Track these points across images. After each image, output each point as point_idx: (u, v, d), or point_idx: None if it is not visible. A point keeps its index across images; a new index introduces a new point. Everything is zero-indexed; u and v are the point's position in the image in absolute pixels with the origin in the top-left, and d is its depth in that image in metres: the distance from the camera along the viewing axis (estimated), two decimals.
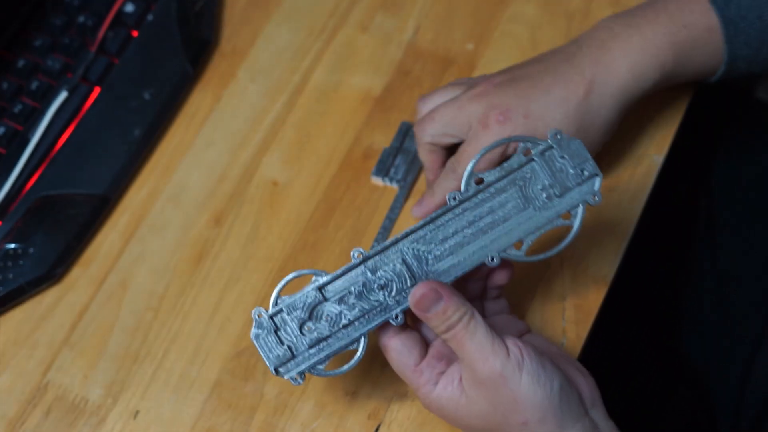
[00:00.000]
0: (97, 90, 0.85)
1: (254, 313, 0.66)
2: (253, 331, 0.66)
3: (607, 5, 0.89)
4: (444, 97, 0.78)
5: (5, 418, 0.75)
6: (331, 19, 0.90)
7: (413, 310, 0.65)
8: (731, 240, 0.95)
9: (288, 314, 0.67)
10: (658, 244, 0.96)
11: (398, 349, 0.67)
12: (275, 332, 0.66)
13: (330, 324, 0.67)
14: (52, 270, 0.79)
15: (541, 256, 0.68)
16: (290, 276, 0.67)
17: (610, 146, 0.82)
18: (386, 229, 0.80)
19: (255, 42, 0.89)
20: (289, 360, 0.67)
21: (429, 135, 0.76)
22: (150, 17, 0.88)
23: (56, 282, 0.80)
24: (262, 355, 0.66)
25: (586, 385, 0.66)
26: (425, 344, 0.68)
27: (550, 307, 0.77)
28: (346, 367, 0.67)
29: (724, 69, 0.76)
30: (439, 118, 0.76)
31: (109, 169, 0.83)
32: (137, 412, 0.75)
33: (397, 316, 0.66)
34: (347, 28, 0.89)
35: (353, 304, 0.67)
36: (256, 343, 0.66)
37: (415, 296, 0.65)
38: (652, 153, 0.82)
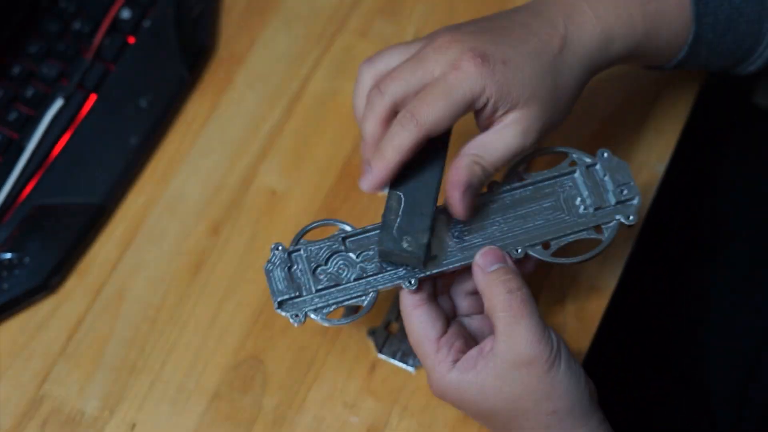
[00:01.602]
0: (93, 97, 0.84)
1: (273, 246, 0.67)
2: (267, 264, 0.67)
3: None
4: (396, 56, 0.70)
5: (1, 431, 0.74)
6: (329, 25, 0.89)
7: (477, 263, 0.66)
8: (732, 253, 0.95)
9: (305, 254, 0.67)
10: (659, 254, 0.95)
11: (422, 318, 0.66)
12: (288, 269, 0.67)
13: (344, 273, 0.67)
14: (48, 280, 0.78)
15: (565, 260, 0.68)
16: (317, 222, 0.69)
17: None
18: None
19: (253, 48, 0.88)
20: (294, 298, 0.67)
21: (390, 96, 0.67)
22: (147, 23, 0.87)
23: (52, 292, 0.79)
24: (269, 287, 0.67)
25: (590, 382, 0.67)
26: (447, 322, 0.67)
27: (552, 317, 0.76)
28: (348, 319, 0.67)
29: (686, 50, 0.73)
30: (403, 75, 0.67)
31: (105, 178, 0.82)
32: (134, 425, 0.74)
33: (411, 281, 0.66)
34: (346, 34, 0.89)
35: (372, 260, 0.67)
36: (266, 276, 0.67)
37: (482, 251, 0.65)
38: (654, 161, 0.82)
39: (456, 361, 0.65)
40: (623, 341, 0.94)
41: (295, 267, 0.67)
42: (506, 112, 0.67)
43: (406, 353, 0.76)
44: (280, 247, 0.67)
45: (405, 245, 0.65)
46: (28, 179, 0.81)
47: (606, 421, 0.66)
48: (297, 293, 0.67)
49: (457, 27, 0.69)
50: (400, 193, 0.67)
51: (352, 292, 0.67)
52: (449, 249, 0.67)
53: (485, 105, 0.67)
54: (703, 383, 0.94)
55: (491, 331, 0.65)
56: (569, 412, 0.64)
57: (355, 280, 0.67)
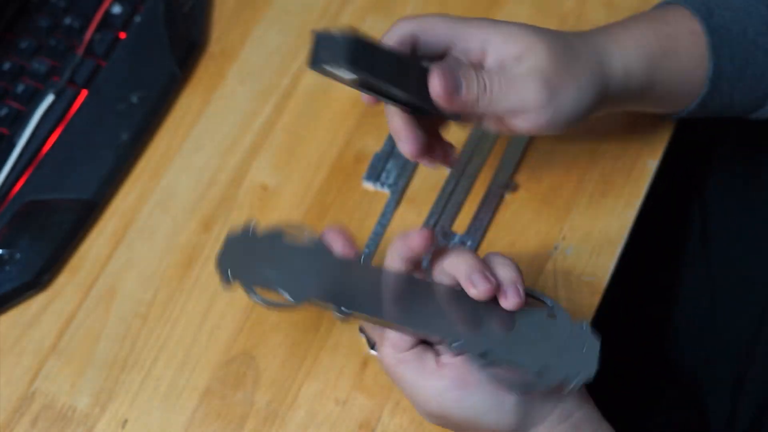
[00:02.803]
0: (84, 93, 0.84)
1: (251, 221, 0.68)
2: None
3: (601, 6, 0.88)
4: None
5: None
6: (321, 20, 0.89)
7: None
8: (724, 246, 0.95)
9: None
10: (651, 250, 0.95)
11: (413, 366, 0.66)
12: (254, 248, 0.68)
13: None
14: (39, 276, 0.78)
15: None
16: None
17: (603, 150, 0.82)
18: (377, 234, 0.79)
19: (244, 44, 0.88)
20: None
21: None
22: (138, 19, 0.87)
23: (43, 288, 0.79)
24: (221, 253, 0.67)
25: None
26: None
27: None
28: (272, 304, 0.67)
29: (709, 85, 0.73)
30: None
31: (96, 174, 0.81)
32: (125, 421, 0.74)
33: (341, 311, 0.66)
34: None
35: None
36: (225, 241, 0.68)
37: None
38: (647, 158, 0.81)
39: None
40: (616, 336, 0.94)
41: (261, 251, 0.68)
42: (515, 57, 0.67)
43: None
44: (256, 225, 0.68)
45: None
46: (19, 175, 0.81)
47: (571, 416, 0.66)
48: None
49: None
50: None
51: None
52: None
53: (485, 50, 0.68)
54: (696, 376, 0.94)
55: None
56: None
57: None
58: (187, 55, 0.86)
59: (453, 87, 0.65)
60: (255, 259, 0.67)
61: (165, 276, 0.79)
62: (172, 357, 0.76)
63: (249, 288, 0.67)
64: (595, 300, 0.77)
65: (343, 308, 0.65)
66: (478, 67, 0.68)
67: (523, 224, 0.79)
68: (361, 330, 0.76)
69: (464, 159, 0.82)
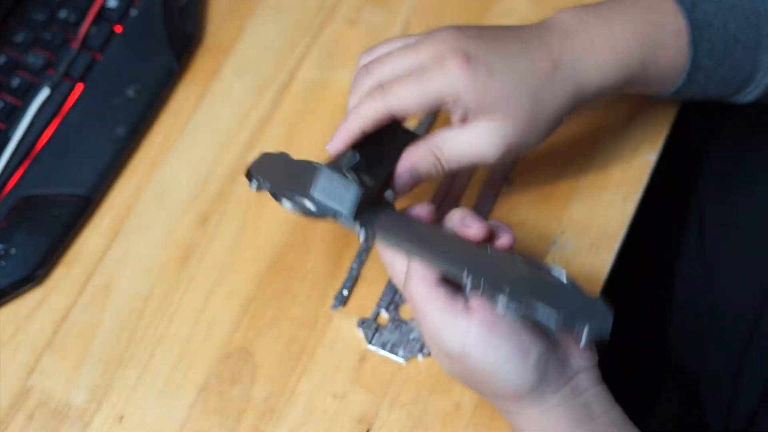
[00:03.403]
0: (79, 87, 0.84)
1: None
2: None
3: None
4: (395, 46, 0.71)
5: None
6: (318, 13, 0.88)
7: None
8: (721, 240, 0.94)
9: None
10: (648, 244, 0.95)
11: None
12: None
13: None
14: (35, 271, 0.78)
15: None
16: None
17: (602, 144, 0.82)
18: None
19: (241, 37, 0.88)
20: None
21: (376, 77, 0.69)
22: (134, 12, 0.87)
23: (39, 283, 0.78)
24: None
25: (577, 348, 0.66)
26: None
27: None
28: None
29: (684, 78, 0.73)
30: (391, 60, 0.69)
31: (92, 168, 0.81)
32: (122, 417, 0.74)
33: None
34: (335, 23, 0.88)
35: None
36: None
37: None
38: (645, 151, 0.81)
39: None
40: (614, 329, 0.94)
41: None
42: (477, 118, 0.68)
43: (396, 344, 0.75)
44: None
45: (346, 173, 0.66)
46: (14, 170, 0.80)
47: (583, 394, 0.66)
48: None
49: (458, 27, 0.70)
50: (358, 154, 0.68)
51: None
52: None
53: (456, 105, 0.68)
54: (693, 369, 0.94)
55: None
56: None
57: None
58: (184, 49, 0.86)
59: (414, 184, 0.70)
60: (286, 175, 0.67)
61: (161, 271, 0.79)
62: (168, 352, 0.76)
63: (278, 193, 0.66)
64: (595, 293, 0.76)
65: (368, 229, 0.66)
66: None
67: (522, 218, 0.79)
68: (359, 324, 0.76)
69: None
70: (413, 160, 0.69)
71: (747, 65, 0.74)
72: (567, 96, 0.70)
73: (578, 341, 0.63)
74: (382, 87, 0.68)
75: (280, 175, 0.68)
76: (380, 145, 0.69)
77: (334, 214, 0.66)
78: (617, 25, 0.72)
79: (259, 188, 0.67)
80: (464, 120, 0.69)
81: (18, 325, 0.77)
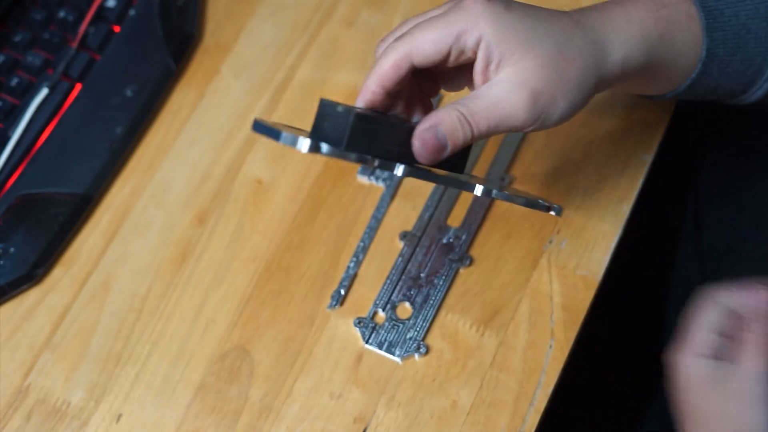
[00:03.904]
0: (78, 87, 0.84)
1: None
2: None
3: None
4: (425, 16, 0.68)
5: None
6: (316, 14, 0.89)
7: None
8: (718, 242, 0.95)
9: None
10: (644, 245, 0.95)
11: None
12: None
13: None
14: (33, 270, 0.78)
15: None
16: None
17: (597, 145, 0.82)
18: (372, 228, 0.79)
19: (239, 37, 0.88)
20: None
21: (401, 29, 0.67)
22: (132, 12, 0.87)
23: (37, 283, 0.79)
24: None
25: None
26: None
27: (538, 309, 0.76)
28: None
29: (699, 68, 0.72)
30: (416, 16, 0.67)
31: (90, 168, 0.81)
32: (120, 416, 0.74)
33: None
34: (332, 24, 0.88)
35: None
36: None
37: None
38: (641, 152, 0.81)
39: None
40: (610, 330, 0.94)
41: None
42: (501, 67, 0.65)
43: (393, 344, 0.75)
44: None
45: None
46: (13, 169, 0.81)
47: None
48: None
49: None
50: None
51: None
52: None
53: (478, 47, 0.65)
54: None
55: None
56: None
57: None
58: (182, 49, 0.86)
59: (438, 148, 0.65)
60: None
61: (159, 270, 0.79)
62: (166, 351, 0.76)
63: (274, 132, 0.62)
64: (590, 294, 0.77)
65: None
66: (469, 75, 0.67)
67: (518, 217, 0.79)
68: (356, 323, 0.76)
69: None
70: (436, 118, 0.65)
71: (757, 57, 0.73)
72: (592, 57, 0.67)
73: None
74: (403, 34, 0.65)
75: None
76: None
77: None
78: (629, 4, 0.70)
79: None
80: (486, 72, 0.65)
81: (16, 324, 0.77)
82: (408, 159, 0.65)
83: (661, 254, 0.98)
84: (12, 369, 0.76)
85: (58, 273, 0.79)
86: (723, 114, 0.81)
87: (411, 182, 0.81)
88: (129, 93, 0.84)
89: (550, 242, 0.78)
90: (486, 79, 0.66)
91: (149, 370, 0.75)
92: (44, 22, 0.86)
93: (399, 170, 0.64)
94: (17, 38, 0.85)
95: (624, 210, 0.79)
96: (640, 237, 0.87)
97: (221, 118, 0.85)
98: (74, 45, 0.85)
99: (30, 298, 0.78)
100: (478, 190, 0.67)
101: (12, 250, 0.78)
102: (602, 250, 0.78)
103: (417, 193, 0.81)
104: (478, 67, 0.66)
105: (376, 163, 0.63)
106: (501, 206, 0.80)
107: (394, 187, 0.81)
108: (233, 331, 0.76)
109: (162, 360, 0.76)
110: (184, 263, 0.79)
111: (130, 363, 0.76)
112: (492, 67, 0.65)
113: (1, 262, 0.77)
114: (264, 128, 0.62)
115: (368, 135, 0.63)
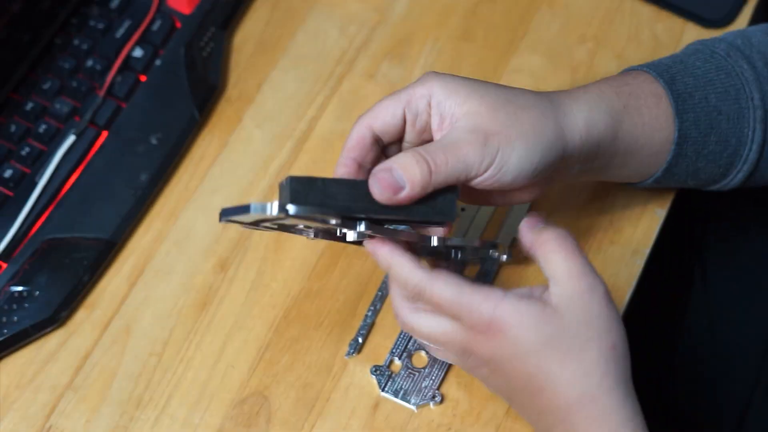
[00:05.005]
0: (104, 134, 0.86)
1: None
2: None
3: (612, 58, 0.90)
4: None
5: None
6: (337, 66, 0.91)
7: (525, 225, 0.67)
8: (726, 295, 0.96)
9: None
10: (654, 298, 0.96)
11: (446, 273, 0.66)
12: None
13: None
14: (57, 313, 0.79)
15: None
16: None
17: (612, 200, 0.83)
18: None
19: (261, 88, 0.90)
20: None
21: (365, 126, 0.70)
22: (158, 62, 0.89)
23: (60, 325, 0.80)
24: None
25: None
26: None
27: None
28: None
29: (674, 150, 0.73)
30: (379, 105, 0.71)
31: (115, 213, 0.83)
32: None
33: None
34: (353, 76, 0.90)
35: None
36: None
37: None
38: (655, 207, 0.83)
39: (506, 293, 0.64)
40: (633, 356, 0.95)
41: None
42: (453, 118, 0.68)
43: (409, 392, 0.77)
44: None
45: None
46: (40, 214, 0.82)
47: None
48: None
49: None
50: None
51: None
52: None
53: (429, 107, 0.69)
54: (698, 421, 0.95)
55: None
56: (624, 351, 0.64)
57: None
58: (206, 99, 0.88)
59: (395, 185, 0.66)
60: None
61: (181, 315, 0.80)
62: (186, 395, 0.77)
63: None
64: None
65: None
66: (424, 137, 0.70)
67: (533, 270, 0.80)
68: (373, 371, 0.77)
69: (474, 207, 0.83)
70: (392, 161, 0.66)
71: (732, 138, 0.75)
72: (548, 110, 0.69)
73: None
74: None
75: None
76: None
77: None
78: (592, 86, 0.73)
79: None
80: (443, 129, 0.68)
81: (39, 366, 0.78)
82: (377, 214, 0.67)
83: (671, 307, 0.99)
84: (34, 410, 0.77)
85: (81, 316, 0.80)
86: None
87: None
88: (154, 141, 0.86)
89: None
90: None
91: (169, 414, 0.77)
92: (72, 70, 0.88)
93: (361, 225, 0.66)
94: (46, 86, 0.87)
95: (638, 263, 0.81)
96: (650, 291, 0.88)
97: (243, 166, 0.86)
98: (101, 93, 0.87)
99: (53, 340, 0.79)
100: (434, 240, 0.69)
101: (37, 293, 0.79)
102: (616, 303, 0.78)
103: None
104: (434, 125, 0.69)
105: (336, 221, 0.65)
106: (515, 260, 0.81)
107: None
108: (252, 376, 0.78)
109: (182, 404, 0.77)
110: (204, 309, 0.80)
111: (150, 406, 0.77)
112: (446, 123, 0.68)
113: (26, 305, 0.79)
114: (230, 211, 0.66)
115: (327, 193, 0.66)
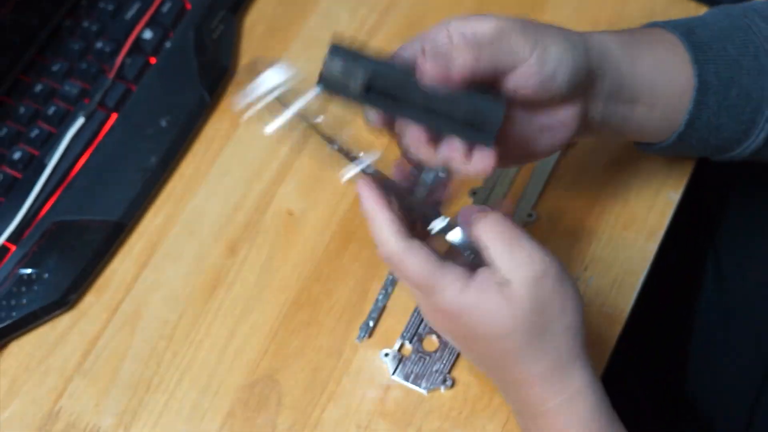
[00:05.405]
0: (113, 116, 0.85)
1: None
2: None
3: (638, 13, 0.89)
4: None
5: None
6: None
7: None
8: (739, 280, 0.95)
9: None
10: (668, 284, 0.96)
11: (419, 249, 0.65)
12: None
13: None
14: (66, 296, 0.79)
15: None
16: None
17: (625, 183, 0.83)
18: None
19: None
20: None
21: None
22: (168, 44, 0.89)
23: (70, 308, 0.80)
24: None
25: None
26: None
27: None
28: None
29: (695, 97, 0.71)
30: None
31: (124, 196, 0.82)
32: None
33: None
34: None
35: None
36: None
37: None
38: (669, 191, 0.82)
39: (469, 279, 0.64)
40: (634, 367, 0.95)
41: None
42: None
43: (419, 376, 0.76)
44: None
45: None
46: (49, 196, 0.82)
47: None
48: None
49: None
50: None
51: None
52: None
53: None
54: (710, 411, 0.95)
55: None
56: (579, 326, 0.64)
57: None
58: (216, 81, 0.88)
59: (447, 56, 0.65)
60: None
61: (190, 298, 0.80)
62: (196, 379, 0.77)
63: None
64: (615, 332, 0.77)
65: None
66: None
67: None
68: (383, 355, 0.77)
69: (486, 190, 0.83)
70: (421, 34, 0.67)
71: (754, 93, 0.72)
72: (570, 36, 0.68)
73: None
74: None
75: None
76: None
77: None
78: (610, 31, 0.71)
79: None
80: None
81: (49, 349, 0.78)
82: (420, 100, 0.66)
83: (684, 294, 0.99)
84: (43, 393, 0.77)
85: (90, 299, 0.80)
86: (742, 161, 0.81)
87: None
88: (163, 123, 0.85)
89: (577, 279, 0.79)
90: None
91: (178, 398, 0.76)
92: (82, 52, 0.87)
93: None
94: (55, 68, 0.87)
95: (651, 248, 0.80)
96: (663, 276, 0.88)
97: (254, 150, 0.86)
98: (111, 75, 0.87)
99: (62, 323, 0.79)
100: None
101: (46, 275, 0.79)
102: (629, 289, 0.79)
103: None
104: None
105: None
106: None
107: None
108: (262, 360, 0.77)
109: (191, 387, 0.77)
110: (214, 292, 0.80)
111: (160, 390, 0.77)
112: None
113: (35, 288, 0.79)
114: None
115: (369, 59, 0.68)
